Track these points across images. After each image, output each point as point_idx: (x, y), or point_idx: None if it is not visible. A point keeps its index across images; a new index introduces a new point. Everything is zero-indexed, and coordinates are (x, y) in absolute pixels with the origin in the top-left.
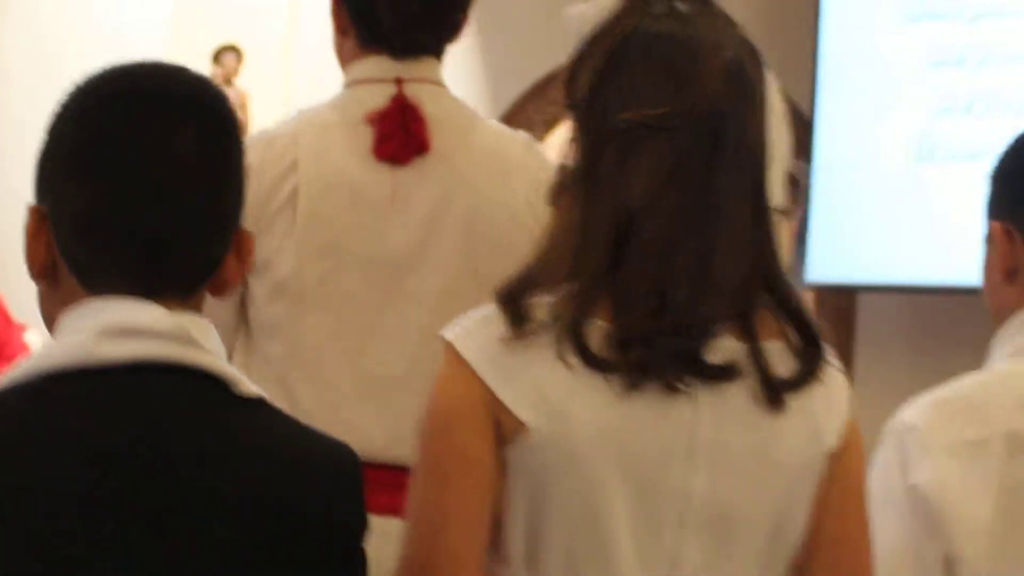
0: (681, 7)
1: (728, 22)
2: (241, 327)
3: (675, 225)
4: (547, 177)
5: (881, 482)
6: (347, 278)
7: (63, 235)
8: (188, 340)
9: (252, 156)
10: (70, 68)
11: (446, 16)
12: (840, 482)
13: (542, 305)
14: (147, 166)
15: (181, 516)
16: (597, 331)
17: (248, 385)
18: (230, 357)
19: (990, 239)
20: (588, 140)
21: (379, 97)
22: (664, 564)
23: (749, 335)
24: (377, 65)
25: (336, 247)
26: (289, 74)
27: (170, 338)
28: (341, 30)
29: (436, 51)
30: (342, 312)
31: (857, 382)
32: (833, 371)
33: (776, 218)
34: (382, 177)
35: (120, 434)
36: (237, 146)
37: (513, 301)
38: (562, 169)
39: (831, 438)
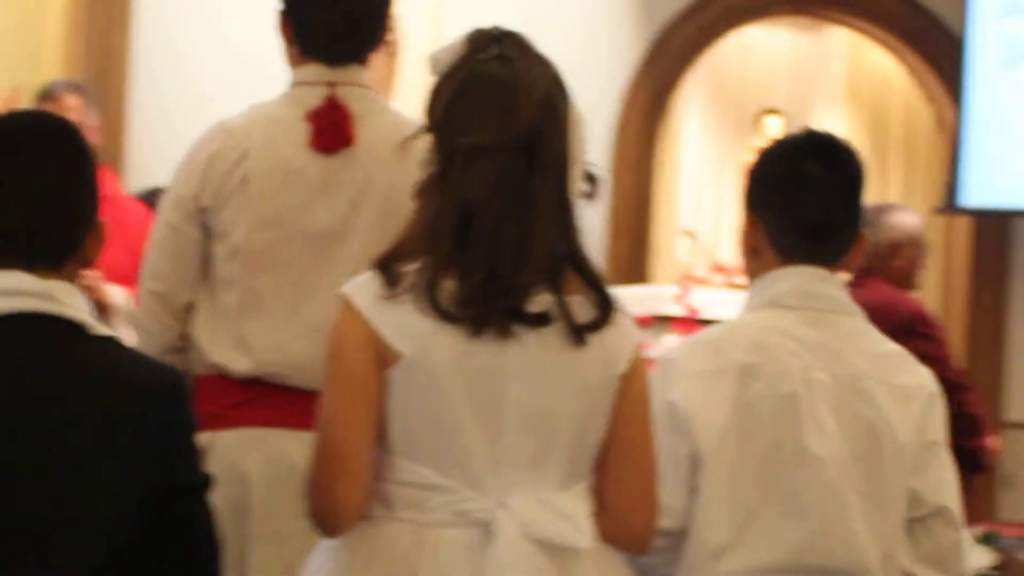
0: (507, 52)
1: (542, 62)
2: (204, 281)
3: (501, 217)
4: None
5: (652, 400)
6: (287, 246)
7: None
8: (51, 297)
9: (214, 144)
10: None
11: (368, 32)
12: (628, 397)
13: (408, 272)
14: (21, 178)
15: (40, 422)
16: (447, 292)
17: (100, 328)
18: (195, 307)
19: (744, 223)
20: (441, 155)
21: (315, 98)
22: (506, 454)
23: (558, 292)
24: (314, 71)
25: (279, 221)
26: None
27: (37, 296)
28: (288, 40)
29: (360, 59)
30: (283, 273)
31: (1013, 304)
32: (624, 317)
33: (578, 203)
34: (317, 164)
35: (7, 364)
36: (87, 163)
37: (386, 268)
38: (424, 175)
39: (621, 365)
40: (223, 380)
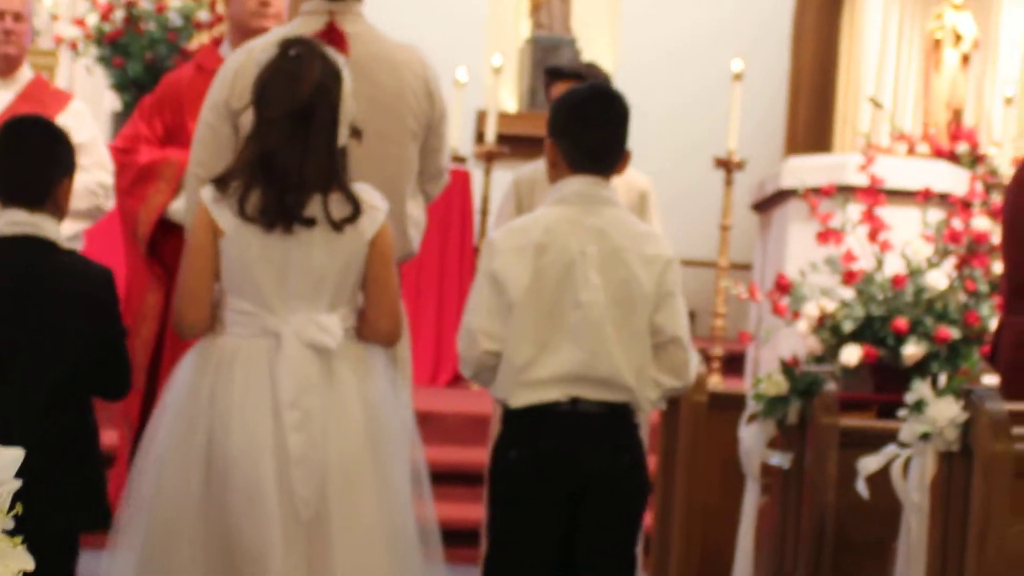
0: (300, 53)
1: (323, 56)
2: None
3: (287, 159)
4: (421, 68)
5: (481, 266)
6: None
7: None
8: (37, 225)
9: (239, 60)
10: None
11: None
12: (374, 251)
13: (233, 186)
14: (18, 151)
15: (33, 298)
16: (251, 203)
17: (65, 244)
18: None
19: (546, 144)
20: (256, 121)
21: (319, 23)
22: (290, 293)
23: (325, 202)
24: (318, 3)
25: None
26: None
27: (30, 224)
28: None
29: None
30: None
31: None
32: (372, 209)
33: (348, 144)
34: None
35: (8, 265)
36: (59, 146)
37: (219, 183)
38: (248, 132)
39: (368, 235)
40: None
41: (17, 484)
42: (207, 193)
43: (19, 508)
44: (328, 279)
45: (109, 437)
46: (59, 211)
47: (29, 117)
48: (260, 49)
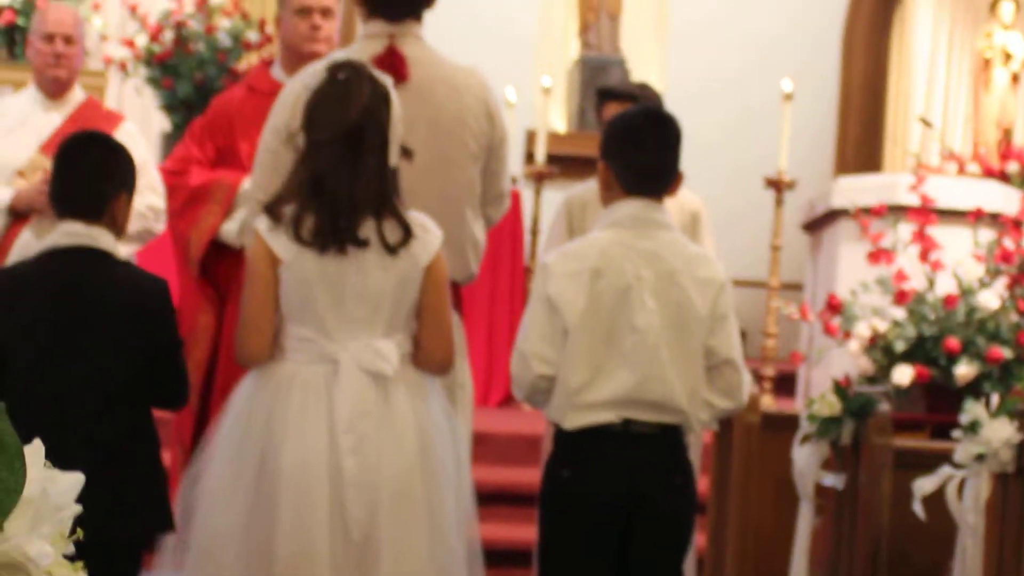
0: (348, 76)
1: (373, 81)
2: None
3: (338, 182)
4: (482, 91)
5: (535, 291)
6: None
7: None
8: (92, 237)
9: (298, 86)
10: None
11: None
12: (429, 279)
13: (286, 212)
14: (76, 165)
15: (85, 308)
16: (306, 227)
17: (120, 255)
18: None
19: (600, 167)
20: (306, 144)
21: (379, 46)
22: (346, 318)
23: (378, 225)
24: (378, 26)
25: None
26: None
27: (85, 236)
28: (357, 2)
29: (416, 16)
30: None
31: None
32: (426, 233)
33: (398, 165)
34: None
35: (64, 274)
36: (117, 162)
37: (271, 211)
38: (298, 156)
39: (424, 261)
40: None
41: (78, 509)
42: (262, 223)
43: (80, 533)
44: (384, 304)
45: (163, 458)
46: (116, 226)
47: (88, 132)
48: (311, 73)
